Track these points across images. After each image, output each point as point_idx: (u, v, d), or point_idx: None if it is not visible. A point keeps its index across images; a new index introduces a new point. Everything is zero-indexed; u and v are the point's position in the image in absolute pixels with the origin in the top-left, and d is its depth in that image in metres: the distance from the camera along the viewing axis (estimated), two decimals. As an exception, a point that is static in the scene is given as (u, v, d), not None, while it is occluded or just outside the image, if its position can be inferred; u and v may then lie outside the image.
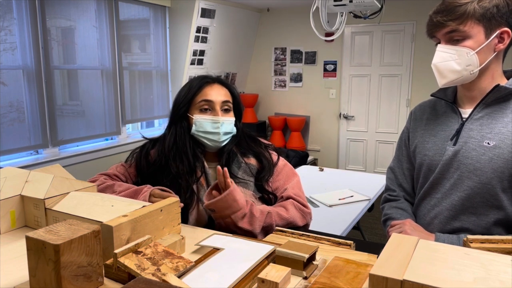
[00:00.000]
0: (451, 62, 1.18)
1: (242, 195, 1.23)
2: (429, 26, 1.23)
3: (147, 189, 1.26)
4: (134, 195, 1.26)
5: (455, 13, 1.15)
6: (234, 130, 1.40)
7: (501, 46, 1.18)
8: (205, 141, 1.37)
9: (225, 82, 1.44)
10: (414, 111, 1.43)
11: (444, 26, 1.18)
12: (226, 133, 1.37)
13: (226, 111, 1.39)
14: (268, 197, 1.38)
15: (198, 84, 1.39)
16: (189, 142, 1.37)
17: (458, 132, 1.24)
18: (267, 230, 1.25)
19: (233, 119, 1.40)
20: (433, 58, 1.22)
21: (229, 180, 1.18)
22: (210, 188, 1.22)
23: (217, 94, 1.37)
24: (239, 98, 1.46)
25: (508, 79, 1.24)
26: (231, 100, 1.41)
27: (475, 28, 1.15)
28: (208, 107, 1.37)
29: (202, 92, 1.37)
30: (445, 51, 1.19)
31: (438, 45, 1.22)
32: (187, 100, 1.38)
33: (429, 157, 1.29)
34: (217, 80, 1.42)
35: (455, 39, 1.18)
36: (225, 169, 1.18)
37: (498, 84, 1.19)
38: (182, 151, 1.35)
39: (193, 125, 1.36)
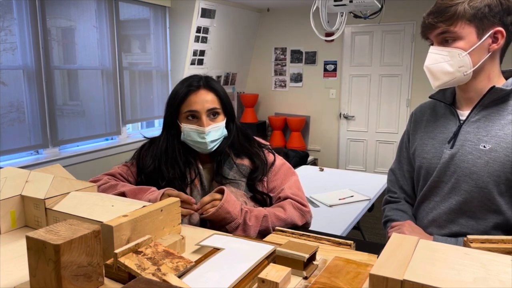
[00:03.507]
0: (443, 63, 1.18)
1: (235, 204, 1.23)
2: (422, 28, 1.24)
3: (155, 189, 1.27)
4: (139, 193, 1.27)
5: (445, 14, 1.15)
6: (224, 133, 1.38)
7: (495, 46, 1.16)
8: (195, 148, 1.37)
9: (211, 84, 1.38)
10: (415, 112, 1.42)
11: (435, 27, 1.17)
12: (213, 141, 1.35)
13: (213, 116, 1.36)
14: (261, 197, 1.38)
15: (183, 92, 1.35)
16: (179, 150, 1.37)
17: (455, 135, 1.22)
18: (264, 233, 1.25)
19: (222, 123, 1.37)
20: (425, 60, 1.22)
21: (218, 198, 1.22)
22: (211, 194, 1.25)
23: (202, 102, 1.34)
24: (228, 98, 1.42)
25: (507, 79, 1.22)
26: (218, 105, 1.37)
27: (466, 28, 1.14)
28: (194, 116, 1.35)
29: (187, 101, 1.35)
30: (437, 53, 1.19)
31: (431, 46, 1.22)
32: (174, 108, 1.37)
33: (427, 160, 1.28)
34: (202, 84, 1.37)
35: (446, 40, 1.17)
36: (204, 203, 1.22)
37: (494, 86, 1.17)
38: (173, 158, 1.36)
39: (182, 133, 1.37)
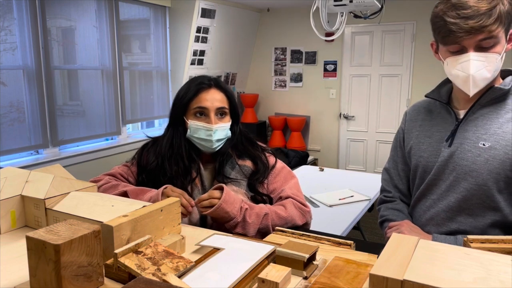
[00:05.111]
0: (483, 70, 1.12)
1: (235, 203, 1.24)
2: (454, 33, 1.10)
3: (154, 190, 1.28)
4: (141, 193, 1.28)
5: (492, 16, 1.07)
6: (229, 134, 1.40)
7: (510, 47, 1.16)
8: (199, 146, 1.38)
9: (222, 85, 1.42)
10: (409, 111, 1.42)
11: (480, 32, 1.08)
12: (219, 140, 1.36)
13: (221, 116, 1.38)
14: (262, 199, 1.38)
15: (194, 88, 1.38)
16: (185, 146, 1.38)
17: (453, 133, 1.23)
18: (264, 231, 1.26)
19: (228, 124, 1.39)
20: (469, 68, 1.12)
21: (216, 196, 1.22)
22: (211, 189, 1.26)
23: (212, 100, 1.36)
24: (236, 101, 1.45)
25: (503, 79, 1.23)
26: (227, 106, 1.39)
27: (502, 31, 1.11)
28: (203, 113, 1.37)
29: (197, 98, 1.37)
30: (478, 59, 1.12)
31: (471, 53, 1.11)
32: (183, 104, 1.38)
33: (424, 159, 1.28)
34: (213, 83, 1.40)
35: (484, 46, 1.11)
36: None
37: (493, 85, 1.17)
38: (178, 154, 1.37)
39: (188, 130, 1.37)
